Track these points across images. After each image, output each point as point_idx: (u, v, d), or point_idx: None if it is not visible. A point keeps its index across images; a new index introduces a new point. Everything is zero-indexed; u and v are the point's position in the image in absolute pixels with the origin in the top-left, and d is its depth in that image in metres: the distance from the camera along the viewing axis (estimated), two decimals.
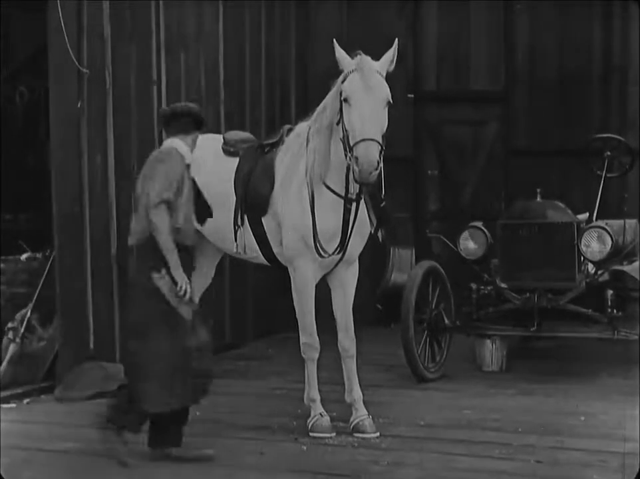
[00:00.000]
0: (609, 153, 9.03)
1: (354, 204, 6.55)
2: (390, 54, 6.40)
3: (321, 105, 6.64)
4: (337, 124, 6.34)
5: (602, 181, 8.97)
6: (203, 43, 9.45)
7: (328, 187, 6.54)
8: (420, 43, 11.77)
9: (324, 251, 6.60)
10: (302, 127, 6.88)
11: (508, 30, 11.57)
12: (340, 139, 6.29)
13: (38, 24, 8.58)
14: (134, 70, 8.60)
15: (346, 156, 6.24)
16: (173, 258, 5.85)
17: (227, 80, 9.75)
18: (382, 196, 6.51)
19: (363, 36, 10.88)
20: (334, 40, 6.38)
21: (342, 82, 6.31)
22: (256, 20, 10.25)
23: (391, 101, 6.22)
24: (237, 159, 7.21)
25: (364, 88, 6.18)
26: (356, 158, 6.03)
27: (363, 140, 6.05)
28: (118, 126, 8.41)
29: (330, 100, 6.49)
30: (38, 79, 10.91)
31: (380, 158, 6.05)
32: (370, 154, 6.00)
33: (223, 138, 7.51)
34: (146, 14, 8.73)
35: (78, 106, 8.08)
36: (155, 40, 8.83)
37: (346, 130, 6.22)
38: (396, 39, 6.44)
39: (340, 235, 6.59)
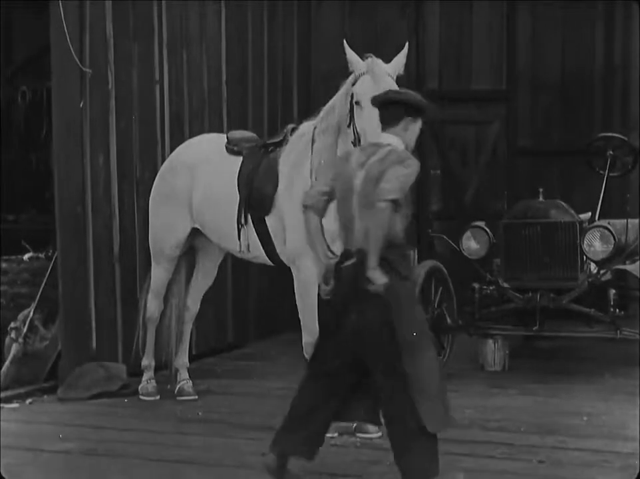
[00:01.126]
0: (611, 152, 9.02)
1: None
2: (402, 58, 6.39)
3: (329, 105, 6.64)
4: (348, 126, 6.34)
5: (604, 181, 8.96)
6: (206, 42, 9.44)
7: None
8: (422, 43, 11.75)
9: (331, 252, 6.60)
10: (306, 126, 6.88)
11: (510, 30, 11.56)
12: (352, 142, 6.30)
13: (40, 24, 8.59)
14: (136, 69, 8.60)
15: None
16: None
17: (229, 79, 9.75)
18: None
19: (365, 36, 10.90)
20: (345, 41, 6.38)
21: (353, 84, 6.31)
22: (258, 19, 10.25)
23: None
24: (240, 159, 7.22)
25: (376, 91, 6.18)
26: None
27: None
28: (120, 125, 8.41)
29: (339, 100, 6.49)
30: (40, 79, 10.93)
31: None
32: None
33: (227, 137, 7.52)
34: (148, 13, 8.73)
35: (81, 105, 8.08)
36: (157, 40, 8.83)
37: (357, 133, 6.22)
38: (407, 43, 6.45)
39: None
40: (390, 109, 5.43)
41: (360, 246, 5.22)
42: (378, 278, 5.07)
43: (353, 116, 6.27)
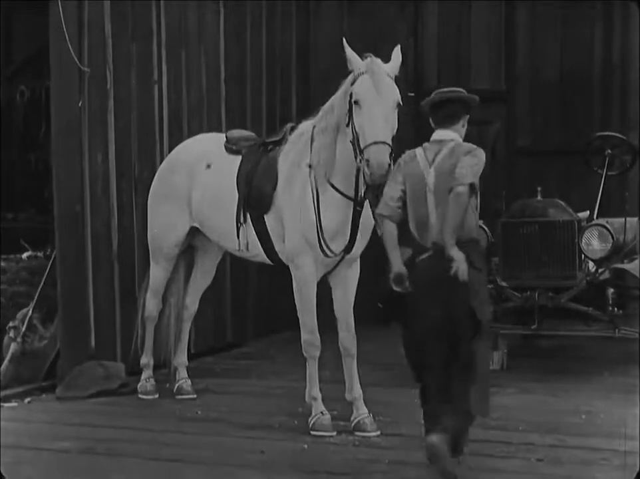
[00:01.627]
0: (609, 151, 9.02)
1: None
2: (398, 59, 6.39)
3: (328, 104, 6.63)
4: (347, 125, 6.33)
5: (603, 180, 8.96)
6: (204, 42, 9.45)
7: (333, 186, 6.56)
8: (421, 42, 11.76)
9: (331, 251, 6.61)
10: (305, 126, 6.88)
11: (509, 30, 11.57)
12: (350, 141, 6.29)
13: (40, 24, 8.59)
14: (134, 68, 8.60)
15: (356, 157, 6.24)
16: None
17: (228, 78, 9.75)
18: None
19: (364, 36, 10.88)
20: (344, 39, 6.36)
21: (352, 83, 6.30)
22: (257, 18, 10.25)
23: (401, 103, 6.24)
24: (239, 158, 7.22)
25: (375, 91, 6.18)
26: (367, 161, 6.03)
27: (375, 142, 6.06)
28: (119, 124, 8.42)
29: (338, 100, 6.49)
30: (39, 78, 10.94)
31: (390, 160, 6.06)
32: (382, 157, 6.01)
33: (226, 136, 7.52)
34: (146, 12, 8.73)
35: (79, 105, 8.08)
36: (156, 40, 8.84)
37: (356, 132, 6.21)
38: (398, 45, 6.44)
39: (346, 235, 6.63)
40: (444, 108, 5.79)
41: (435, 239, 5.52)
42: (458, 256, 5.38)
43: (352, 115, 6.27)
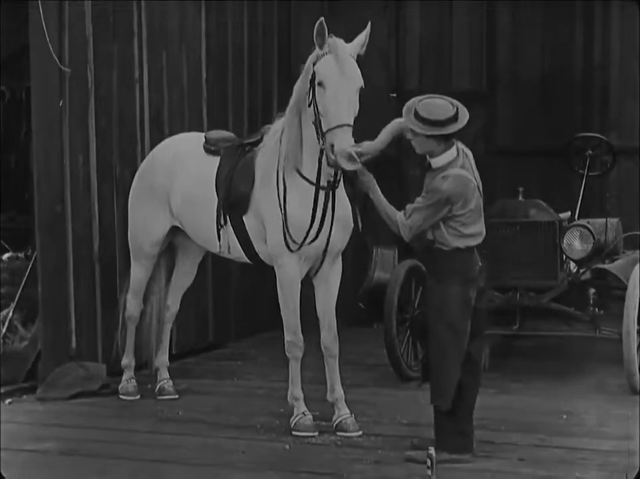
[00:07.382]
0: (590, 152, 9.04)
1: (330, 193, 6.55)
2: (363, 37, 6.39)
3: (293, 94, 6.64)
4: (309, 105, 6.31)
5: (584, 180, 8.98)
6: (186, 41, 9.43)
7: (302, 176, 6.53)
8: (402, 43, 11.77)
9: (294, 242, 6.55)
10: (278, 124, 6.88)
11: (490, 30, 11.59)
12: (312, 122, 6.29)
13: (20, 23, 8.56)
14: (116, 68, 8.58)
15: (319, 140, 6.24)
16: None
17: (209, 78, 9.74)
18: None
19: (345, 36, 10.88)
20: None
21: (314, 63, 6.30)
22: (238, 18, 10.24)
23: (363, 86, 6.24)
24: (218, 159, 7.21)
25: (340, 73, 6.19)
26: (332, 145, 6.05)
27: (339, 126, 6.09)
28: (100, 125, 8.39)
29: (299, 82, 6.48)
30: (19, 79, 10.87)
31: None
32: (346, 140, 6.05)
33: (205, 137, 7.51)
34: (128, 12, 8.70)
35: (60, 105, 8.06)
36: (137, 39, 8.81)
37: (319, 113, 6.22)
38: (369, 22, 6.42)
39: (315, 224, 6.58)
40: None
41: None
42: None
43: (315, 96, 6.26)
